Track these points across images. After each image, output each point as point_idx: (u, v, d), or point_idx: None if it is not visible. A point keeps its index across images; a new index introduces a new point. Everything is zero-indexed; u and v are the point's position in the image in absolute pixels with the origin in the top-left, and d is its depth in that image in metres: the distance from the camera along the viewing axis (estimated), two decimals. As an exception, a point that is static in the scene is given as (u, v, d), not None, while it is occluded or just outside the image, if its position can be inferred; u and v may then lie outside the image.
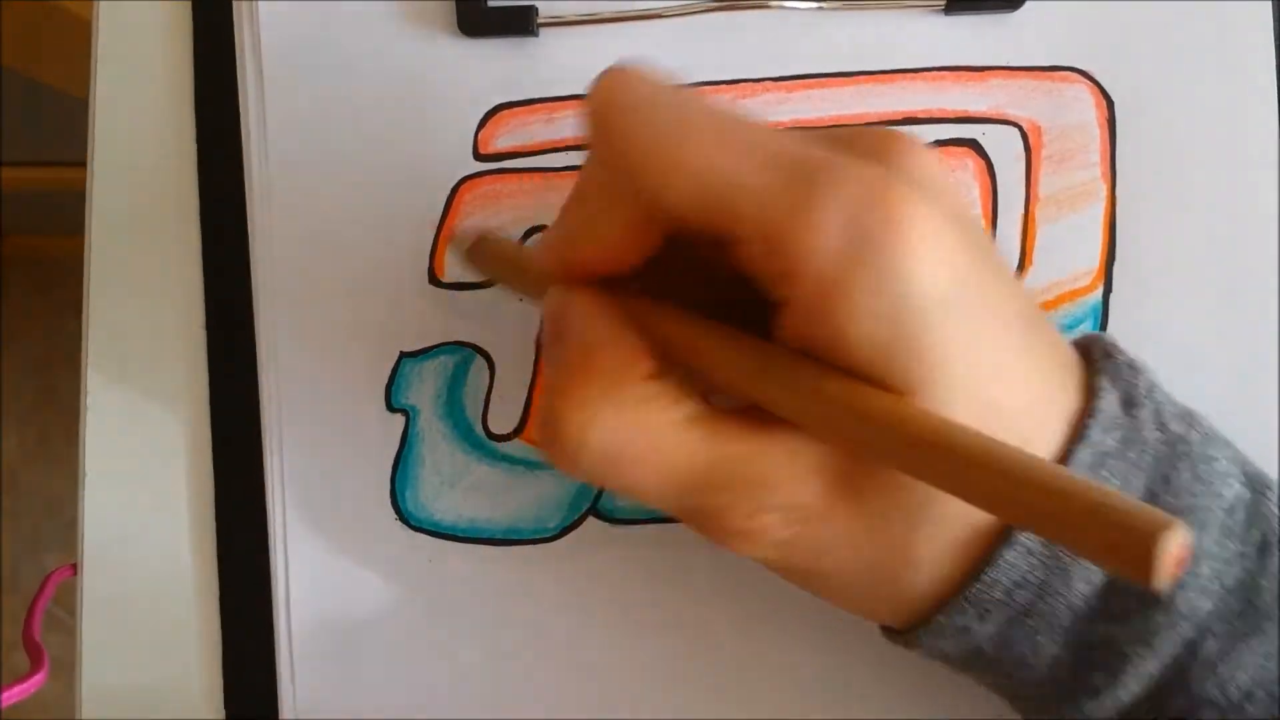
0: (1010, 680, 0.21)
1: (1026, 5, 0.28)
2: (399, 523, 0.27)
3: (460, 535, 0.27)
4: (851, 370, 0.18)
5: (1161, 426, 0.20)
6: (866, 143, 0.19)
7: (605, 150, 0.20)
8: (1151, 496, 0.20)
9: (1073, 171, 0.28)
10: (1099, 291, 0.28)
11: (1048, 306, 0.28)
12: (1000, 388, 0.19)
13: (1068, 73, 0.28)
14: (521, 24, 0.27)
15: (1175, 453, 0.20)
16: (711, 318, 0.20)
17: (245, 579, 0.28)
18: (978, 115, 0.28)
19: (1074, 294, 0.28)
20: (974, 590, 0.19)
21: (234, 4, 0.28)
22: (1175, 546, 0.14)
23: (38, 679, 0.27)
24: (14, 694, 0.27)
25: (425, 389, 0.28)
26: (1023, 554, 0.19)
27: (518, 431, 0.27)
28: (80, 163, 0.29)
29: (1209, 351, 0.28)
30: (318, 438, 0.27)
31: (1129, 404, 0.20)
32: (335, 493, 0.27)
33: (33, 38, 0.71)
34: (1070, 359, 0.21)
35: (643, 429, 0.19)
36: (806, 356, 0.18)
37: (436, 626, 0.27)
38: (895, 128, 0.20)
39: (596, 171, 0.20)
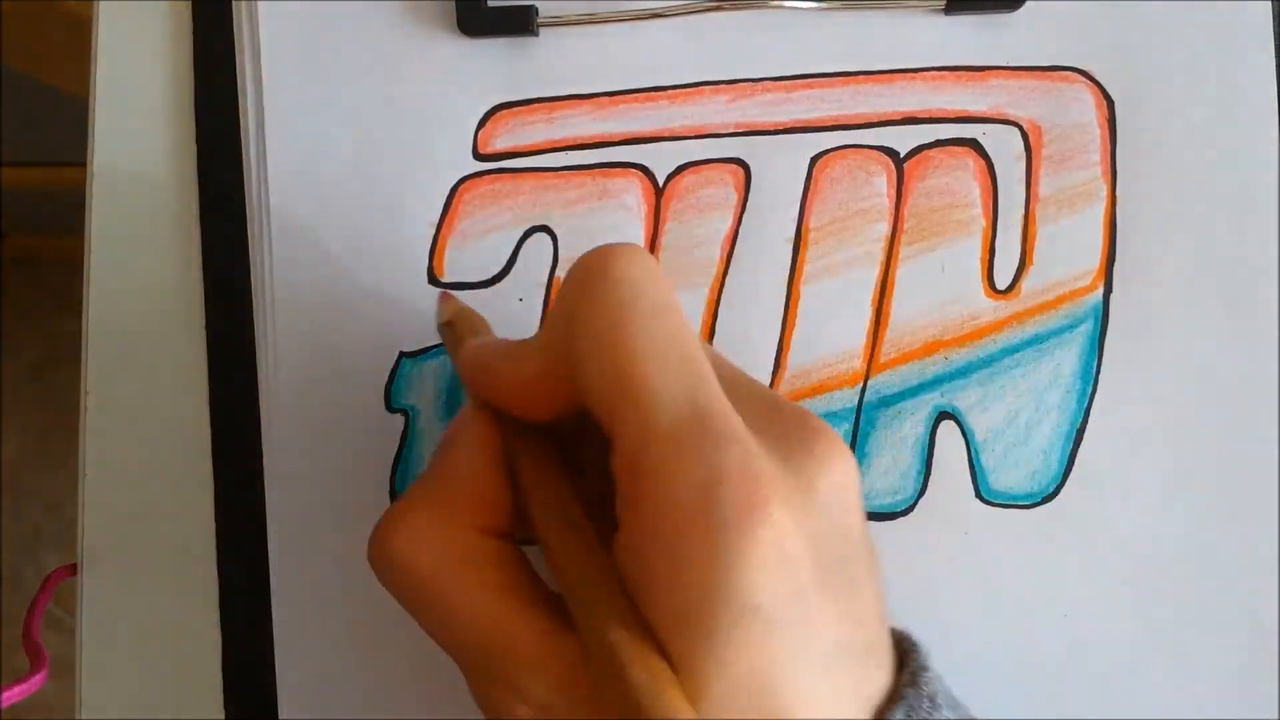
0: None
1: (1027, 5, 0.28)
2: (399, 523, 0.27)
3: (460, 535, 0.27)
4: (646, 618, 0.18)
5: None
6: (790, 424, 0.19)
7: (562, 303, 0.20)
8: None
9: (1073, 171, 0.28)
10: (1099, 291, 0.28)
11: (1048, 307, 0.28)
12: (781, 704, 0.18)
13: (1068, 73, 0.28)
14: (521, 24, 0.27)
15: None
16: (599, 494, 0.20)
17: (245, 579, 0.28)
18: (978, 115, 0.28)
19: (1074, 294, 0.28)
20: None
21: (233, 3, 0.28)
22: None
23: (38, 679, 0.27)
24: (14, 694, 0.27)
25: (425, 389, 0.27)
26: None
27: (518, 431, 0.27)
28: (81, 163, 0.29)
29: (1209, 351, 0.28)
30: (317, 438, 0.27)
31: None
32: (335, 493, 0.27)
33: (33, 38, 0.71)
34: (879, 695, 0.20)
35: (451, 572, 0.20)
36: (621, 587, 0.18)
37: (436, 626, 0.27)
38: (823, 421, 0.20)
39: (548, 318, 0.21)
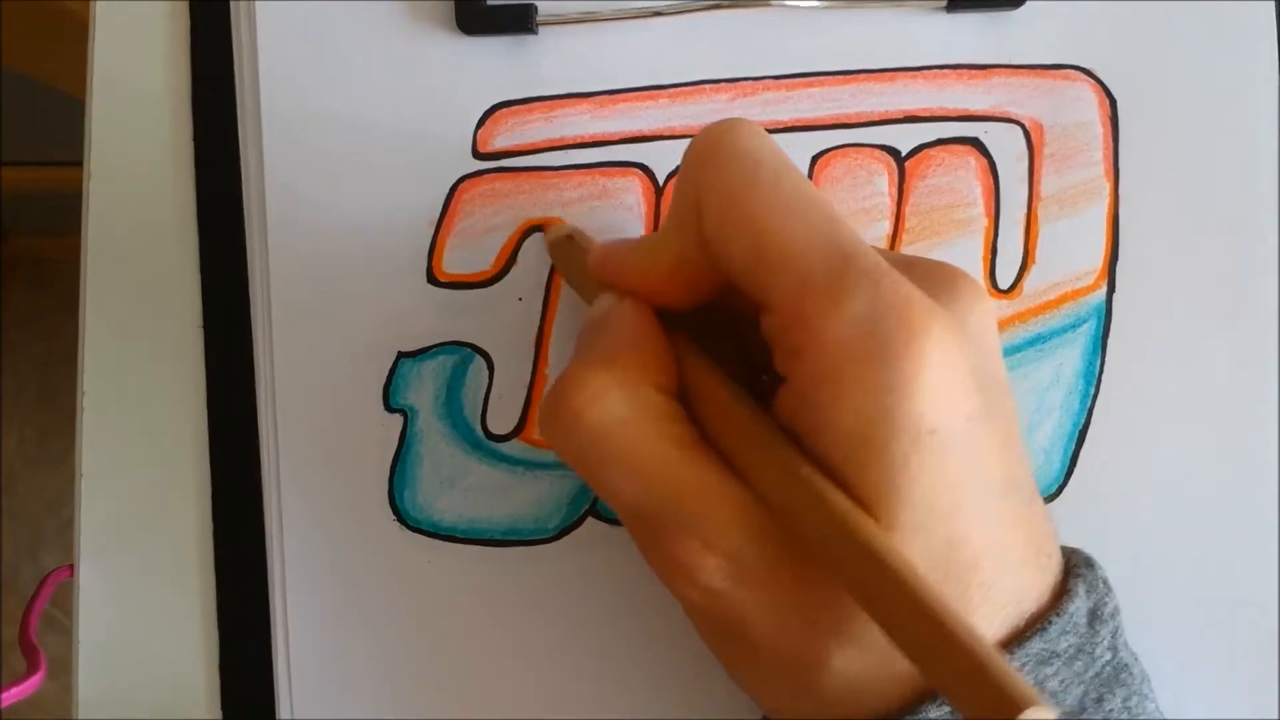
0: None
1: (1028, 3, 0.28)
2: (397, 523, 0.27)
3: (459, 536, 0.27)
4: (823, 465, 0.18)
5: (1114, 649, 0.21)
6: (928, 270, 0.20)
7: (688, 189, 0.20)
8: (1080, 710, 0.20)
9: (1075, 170, 0.28)
10: (1102, 290, 0.28)
11: (1050, 306, 0.28)
12: (963, 532, 0.18)
13: (1070, 71, 0.28)
14: (521, 22, 0.27)
15: (1117, 679, 0.20)
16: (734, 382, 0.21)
17: (243, 579, 0.28)
18: (980, 114, 0.28)
19: (1077, 293, 0.28)
20: None
21: (231, 3, 0.28)
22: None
23: (35, 680, 0.27)
24: (11, 695, 0.27)
25: (424, 389, 0.27)
26: (942, 716, 0.19)
27: (517, 431, 0.27)
28: (79, 163, 0.29)
29: (1211, 350, 0.27)
30: (316, 438, 0.27)
31: (1094, 617, 0.20)
32: (333, 493, 0.27)
33: (33, 38, 0.71)
34: (1052, 548, 0.21)
35: (636, 426, 0.20)
36: (791, 438, 0.19)
37: (435, 627, 0.27)
38: (959, 267, 0.21)
39: (674, 209, 0.21)
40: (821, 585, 0.19)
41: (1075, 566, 0.21)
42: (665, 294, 0.21)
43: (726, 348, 0.22)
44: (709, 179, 0.20)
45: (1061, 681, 0.19)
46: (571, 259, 0.25)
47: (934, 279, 0.20)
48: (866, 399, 0.17)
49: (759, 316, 0.20)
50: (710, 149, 0.20)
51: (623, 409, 0.20)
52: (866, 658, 0.19)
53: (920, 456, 0.17)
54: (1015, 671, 0.15)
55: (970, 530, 0.18)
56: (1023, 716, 0.14)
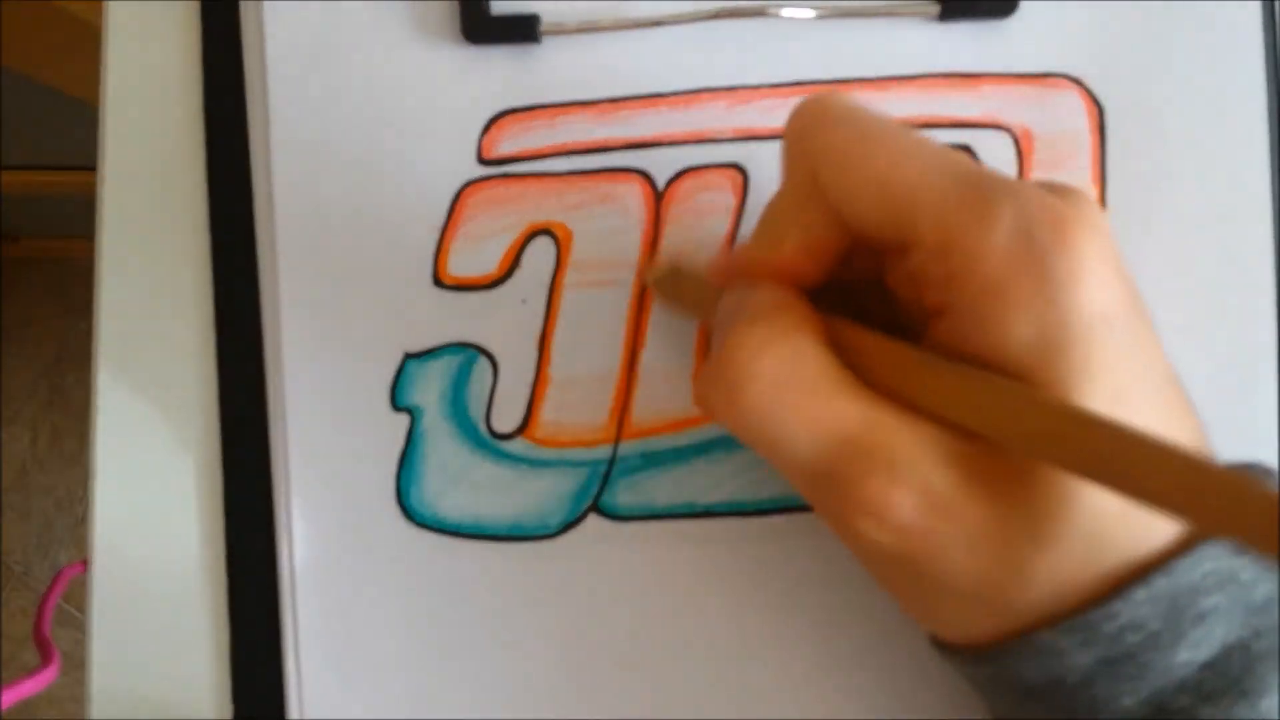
0: None
1: (1019, 13, 0.28)
2: (404, 520, 0.28)
3: (465, 532, 0.28)
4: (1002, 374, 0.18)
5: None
6: (1048, 186, 0.20)
7: (801, 162, 0.21)
8: (1242, 647, 0.19)
9: (1063, 177, 0.28)
10: (1089, 294, 0.28)
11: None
12: (1144, 421, 0.18)
13: (1059, 79, 0.28)
14: (525, 31, 0.28)
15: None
16: None
17: (253, 577, 0.28)
18: (970, 121, 0.28)
19: (1065, 296, 0.28)
20: (1093, 615, 0.19)
21: (240, 7, 0.29)
22: None
23: (48, 674, 0.28)
24: (25, 689, 0.27)
25: (430, 389, 0.28)
26: (1149, 598, 0.19)
27: (520, 430, 0.28)
28: (87, 166, 0.29)
29: (1201, 358, 0.28)
30: (324, 437, 0.28)
31: None
32: (341, 491, 0.28)
33: (33, 39, 0.71)
34: (1203, 440, 0.20)
35: (806, 374, 0.20)
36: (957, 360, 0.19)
37: (441, 623, 0.28)
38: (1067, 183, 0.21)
39: (788, 188, 0.22)
40: (1012, 497, 0.19)
41: (1237, 465, 0.21)
42: (795, 273, 0.22)
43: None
44: (821, 146, 0.20)
45: (1226, 608, 0.19)
46: (683, 285, 0.26)
47: (1056, 191, 0.20)
48: (1039, 302, 0.18)
49: (897, 263, 0.20)
50: (813, 120, 0.21)
51: (789, 359, 0.20)
52: (1070, 555, 0.19)
53: (1101, 346, 0.18)
54: None
55: (1150, 419, 0.18)
56: None
